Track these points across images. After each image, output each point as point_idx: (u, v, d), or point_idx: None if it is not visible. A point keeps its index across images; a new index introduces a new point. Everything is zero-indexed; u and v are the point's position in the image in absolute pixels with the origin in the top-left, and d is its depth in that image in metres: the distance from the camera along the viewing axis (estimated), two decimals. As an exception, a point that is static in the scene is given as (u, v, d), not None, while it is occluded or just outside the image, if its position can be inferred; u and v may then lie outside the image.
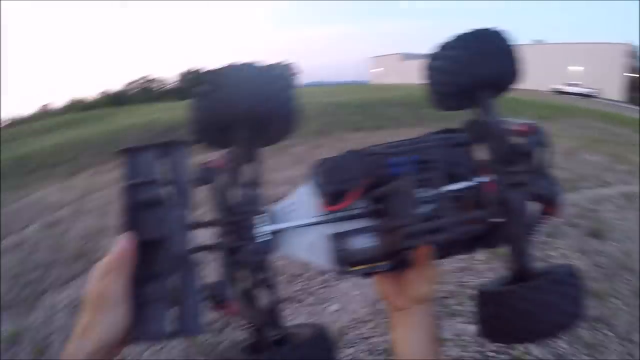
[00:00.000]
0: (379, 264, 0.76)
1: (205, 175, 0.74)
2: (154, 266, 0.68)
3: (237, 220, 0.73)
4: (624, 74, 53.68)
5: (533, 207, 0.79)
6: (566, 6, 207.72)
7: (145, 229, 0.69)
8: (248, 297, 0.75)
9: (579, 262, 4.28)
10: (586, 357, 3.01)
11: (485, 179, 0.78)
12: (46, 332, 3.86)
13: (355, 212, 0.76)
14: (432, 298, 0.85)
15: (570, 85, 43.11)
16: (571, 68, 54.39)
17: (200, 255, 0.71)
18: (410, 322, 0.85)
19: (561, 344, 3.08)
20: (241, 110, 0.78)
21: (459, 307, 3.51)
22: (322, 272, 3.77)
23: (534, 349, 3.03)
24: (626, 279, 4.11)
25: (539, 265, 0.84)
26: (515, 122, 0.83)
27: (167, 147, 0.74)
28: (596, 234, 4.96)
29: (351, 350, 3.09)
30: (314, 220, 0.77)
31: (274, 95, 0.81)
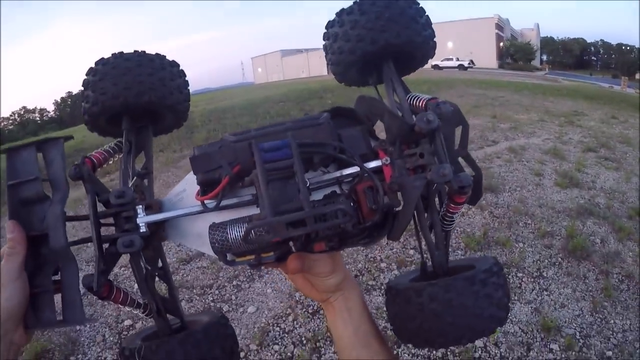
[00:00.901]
0: (263, 255, 0.73)
1: (79, 171, 0.74)
2: (39, 259, 0.73)
3: (113, 213, 0.74)
4: (497, 44, 57.78)
5: (439, 194, 0.75)
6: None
7: (29, 224, 0.73)
8: (142, 287, 0.77)
9: (478, 218, 4.46)
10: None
11: (378, 162, 0.71)
12: None
13: (245, 199, 0.73)
14: (347, 285, 0.84)
15: (446, 60, 45.63)
16: (448, 44, 57.67)
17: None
18: (333, 311, 0.84)
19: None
20: (124, 100, 0.82)
21: (373, 282, 3.52)
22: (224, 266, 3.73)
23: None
24: (525, 223, 4.34)
25: (457, 259, 0.79)
26: (420, 97, 0.76)
27: (44, 144, 0.76)
28: (490, 189, 5.18)
29: (277, 347, 3.00)
30: (192, 209, 0.75)
31: (160, 84, 0.85)
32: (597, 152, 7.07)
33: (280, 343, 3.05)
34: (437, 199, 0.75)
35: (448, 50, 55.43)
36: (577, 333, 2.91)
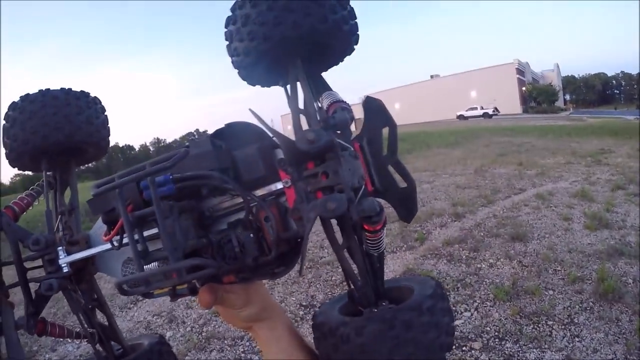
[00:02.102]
0: (178, 288, 0.70)
1: None
2: None
3: (36, 257, 0.79)
4: (519, 89, 57.71)
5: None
6: (455, 40, 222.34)
7: None
8: (79, 318, 0.85)
9: (507, 268, 4.49)
10: (535, 351, 3.11)
11: (280, 185, 0.64)
12: None
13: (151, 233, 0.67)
14: (270, 314, 0.80)
15: (470, 109, 45.72)
16: (472, 94, 57.89)
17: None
18: (261, 341, 0.81)
19: (507, 344, 3.19)
20: (33, 145, 0.86)
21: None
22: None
23: (481, 354, 3.12)
24: (555, 270, 4.34)
25: (399, 281, 0.75)
26: (330, 99, 0.67)
27: None
28: (518, 238, 5.22)
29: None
30: (105, 246, 0.75)
31: (65, 122, 0.87)
32: (625, 189, 7.04)
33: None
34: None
35: (472, 100, 55.64)
36: (612, 377, 2.87)
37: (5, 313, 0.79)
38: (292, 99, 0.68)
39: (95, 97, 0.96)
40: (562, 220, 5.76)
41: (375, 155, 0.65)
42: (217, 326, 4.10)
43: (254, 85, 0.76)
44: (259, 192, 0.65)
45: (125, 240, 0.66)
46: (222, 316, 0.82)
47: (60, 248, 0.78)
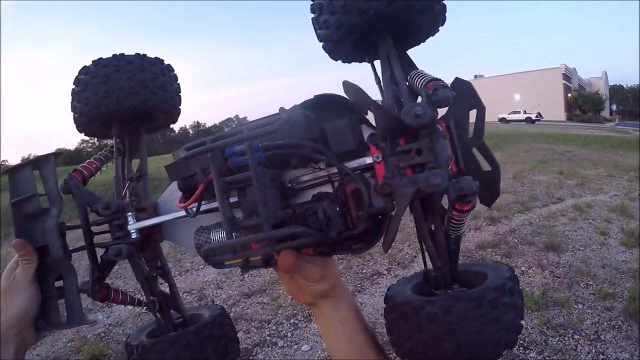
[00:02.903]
0: (251, 259, 0.68)
1: (67, 186, 0.80)
2: (44, 268, 0.80)
3: (105, 222, 0.79)
4: (564, 95, 56.16)
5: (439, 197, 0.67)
6: (499, 40, 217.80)
7: (34, 237, 0.80)
8: (144, 287, 0.86)
9: (538, 277, 4.46)
10: (559, 364, 3.10)
11: (369, 159, 0.64)
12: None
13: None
14: (337, 293, 0.80)
15: (513, 112, 44.76)
16: (515, 97, 56.63)
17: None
18: (324, 319, 0.80)
19: (531, 353, 3.19)
20: (106, 109, 0.83)
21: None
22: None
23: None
24: (586, 284, 4.29)
25: (471, 266, 0.75)
26: (422, 76, 0.64)
27: (38, 162, 0.81)
28: (553, 248, 5.16)
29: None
30: (178, 214, 0.76)
31: (140, 87, 0.85)
32: (667, 209, 6.83)
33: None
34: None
35: (515, 103, 54.57)
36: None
37: (68, 277, 0.80)
38: (384, 74, 0.67)
39: (169, 64, 0.93)
40: (598, 234, 5.65)
41: (461, 137, 0.65)
42: (245, 307, 4.21)
43: (336, 60, 0.76)
44: (324, 173, 0.66)
45: (202, 208, 0.69)
46: (287, 286, 0.81)
47: (129, 214, 0.79)
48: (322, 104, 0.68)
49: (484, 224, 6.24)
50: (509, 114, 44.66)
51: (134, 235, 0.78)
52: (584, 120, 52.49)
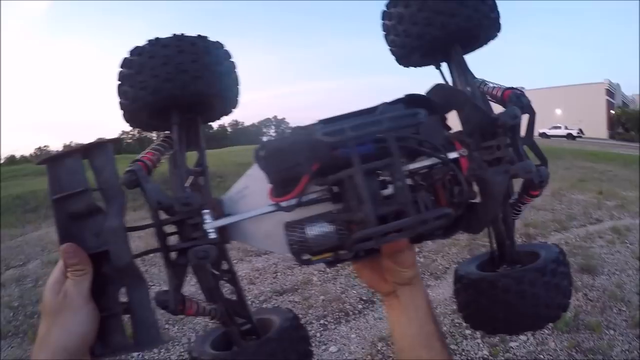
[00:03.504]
0: (341, 252, 0.68)
1: (135, 178, 0.66)
2: (100, 280, 0.65)
3: (178, 221, 0.68)
4: (607, 111, 54.66)
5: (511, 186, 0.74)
6: (543, 53, 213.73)
7: (83, 242, 0.64)
8: (214, 294, 0.74)
9: (571, 299, 4.35)
10: (586, 389, 3.07)
11: (456, 154, 0.69)
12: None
13: (312, 196, 0.68)
14: (416, 281, 0.80)
15: (554, 127, 43.80)
16: (557, 111, 55.41)
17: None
18: (399, 306, 0.80)
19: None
20: (168, 93, 0.72)
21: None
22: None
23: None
24: (619, 310, 4.22)
25: (522, 247, 0.84)
26: (494, 85, 0.76)
27: (90, 150, 0.66)
28: (587, 269, 5.08)
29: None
30: (265, 209, 0.70)
31: (205, 71, 0.74)
32: None
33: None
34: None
35: (556, 118, 53.42)
36: None
37: (138, 288, 0.67)
38: (459, 78, 0.79)
39: (227, 49, 0.82)
40: (635, 259, 5.52)
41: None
42: (276, 305, 4.25)
43: (405, 65, 0.87)
44: (426, 162, 0.69)
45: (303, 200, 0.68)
46: (368, 277, 0.82)
47: (206, 211, 0.68)
48: (413, 102, 0.70)
49: (519, 240, 6.15)
50: (549, 128, 43.69)
51: (213, 235, 0.67)
52: (626, 138, 50.83)
